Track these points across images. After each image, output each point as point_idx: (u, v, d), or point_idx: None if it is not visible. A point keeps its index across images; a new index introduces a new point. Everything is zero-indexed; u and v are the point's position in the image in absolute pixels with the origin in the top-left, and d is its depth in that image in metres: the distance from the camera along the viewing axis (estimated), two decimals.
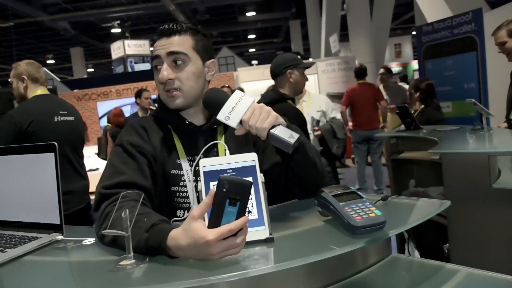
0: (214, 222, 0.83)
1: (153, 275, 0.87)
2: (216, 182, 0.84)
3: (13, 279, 0.94)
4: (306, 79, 2.79)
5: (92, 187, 1.98)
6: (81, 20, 17.27)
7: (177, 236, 0.86)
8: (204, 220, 0.85)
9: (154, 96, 7.90)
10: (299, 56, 3.02)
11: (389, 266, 1.12)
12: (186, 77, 1.26)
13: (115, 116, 6.31)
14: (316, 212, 1.12)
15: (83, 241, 1.14)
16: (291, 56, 2.80)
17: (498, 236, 2.07)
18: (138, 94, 5.55)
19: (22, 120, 2.36)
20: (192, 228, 0.83)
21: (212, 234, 0.81)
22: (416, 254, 1.47)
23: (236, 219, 0.84)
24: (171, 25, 1.29)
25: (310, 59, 15.41)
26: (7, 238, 1.19)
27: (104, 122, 10.93)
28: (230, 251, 0.85)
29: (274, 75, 2.75)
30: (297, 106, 4.04)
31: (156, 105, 1.44)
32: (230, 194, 0.82)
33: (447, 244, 2.24)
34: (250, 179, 1.03)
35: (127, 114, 6.82)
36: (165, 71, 1.24)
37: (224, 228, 0.82)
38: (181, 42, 1.27)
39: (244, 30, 22.53)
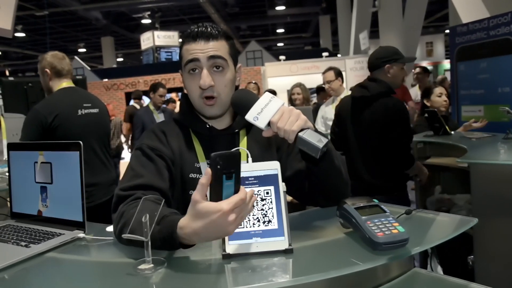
0: (216, 199, 0.84)
1: (171, 280, 0.87)
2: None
3: (35, 276, 0.97)
4: (406, 74, 2.63)
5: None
6: (113, 10, 17.58)
7: (187, 222, 0.87)
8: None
9: (168, 95, 7.55)
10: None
11: (410, 282, 1.09)
12: (224, 85, 1.24)
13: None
14: (337, 223, 1.10)
15: (104, 240, 1.15)
16: (391, 50, 2.65)
17: None
18: (153, 88, 5.01)
19: (47, 114, 2.39)
20: (201, 209, 0.83)
21: (226, 204, 0.83)
22: (439, 270, 1.43)
23: (235, 190, 0.86)
24: (208, 29, 1.23)
25: (339, 55, 15.21)
26: (32, 232, 1.22)
27: None
28: (243, 213, 0.86)
29: (372, 68, 2.65)
30: (336, 103, 3.94)
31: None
32: (225, 169, 0.83)
33: (472, 256, 2.18)
34: (272, 188, 1.03)
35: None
36: (207, 78, 1.20)
37: (235, 198, 0.84)
38: (220, 47, 1.23)
39: (273, 24, 22.43)
